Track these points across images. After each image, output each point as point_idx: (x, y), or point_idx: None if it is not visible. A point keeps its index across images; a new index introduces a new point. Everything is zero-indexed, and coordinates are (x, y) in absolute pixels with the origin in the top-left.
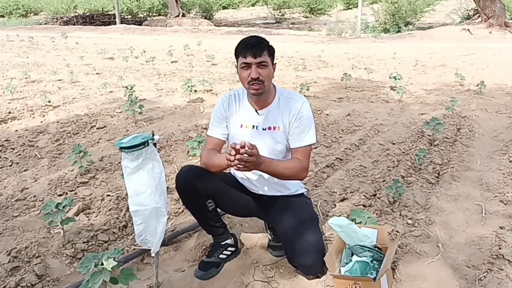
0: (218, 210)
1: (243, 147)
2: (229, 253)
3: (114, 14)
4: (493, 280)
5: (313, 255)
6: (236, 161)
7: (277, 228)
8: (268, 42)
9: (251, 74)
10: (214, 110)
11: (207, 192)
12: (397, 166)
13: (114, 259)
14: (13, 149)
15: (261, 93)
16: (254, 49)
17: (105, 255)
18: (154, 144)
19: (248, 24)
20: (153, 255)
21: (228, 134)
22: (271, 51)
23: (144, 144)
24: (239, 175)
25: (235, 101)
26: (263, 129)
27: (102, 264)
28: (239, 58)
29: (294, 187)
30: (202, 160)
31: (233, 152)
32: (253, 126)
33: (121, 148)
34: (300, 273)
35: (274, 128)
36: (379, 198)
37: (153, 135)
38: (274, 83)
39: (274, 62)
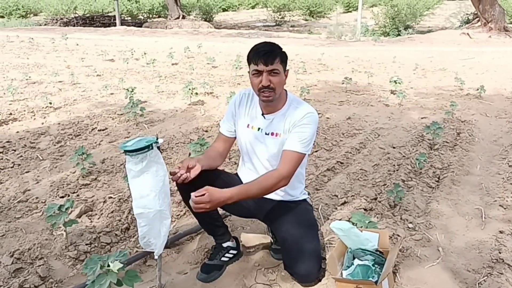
0: (220, 211)
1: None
2: (231, 255)
3: (114, 16)
4: (493, 284)
5: (308, 264)
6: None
7: (276, 234)
8: (281, 49)
9: (262, 82)
10: (228, 105)
11: None
12: (397, 170)
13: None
14: (15, 150)
15: (271, 100)
16: (265, 56)
17: (110, 257)
18: (158, 148)
19: (248, 26)
20: (156, 257)
21: (235, 131)
22: (283, 58)
23: (149, 147)
24: (242, 176)
25: (246, 100)
26: (266, 134)
27: (108, 266)
28: (251, 65)
29: (296, 192)
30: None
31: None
32: (259, 129)
33: (126, 151)
34: (296, 280)
35: (276, 134)
36: (380, 202)
37: (157, 138)
38: (287, 90)
39: (287, 68)
